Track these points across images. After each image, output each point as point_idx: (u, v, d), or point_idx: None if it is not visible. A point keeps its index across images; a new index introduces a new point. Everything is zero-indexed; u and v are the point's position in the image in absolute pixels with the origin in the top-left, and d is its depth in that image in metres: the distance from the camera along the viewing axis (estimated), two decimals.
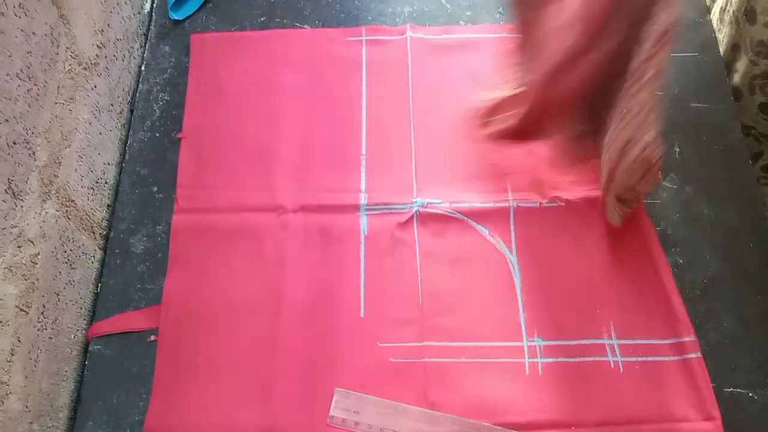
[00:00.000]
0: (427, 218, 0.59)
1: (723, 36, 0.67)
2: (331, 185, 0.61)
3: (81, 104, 0.56)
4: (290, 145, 0.63)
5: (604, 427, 0.50)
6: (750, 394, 0.51)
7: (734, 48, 0.67)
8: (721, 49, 0.66)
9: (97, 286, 0.57)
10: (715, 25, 0.67)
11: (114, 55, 0.62)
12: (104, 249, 0.59)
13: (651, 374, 0.52)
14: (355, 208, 0.60)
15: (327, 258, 0.58)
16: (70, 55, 0.54)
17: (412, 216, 0.59)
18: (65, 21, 0.52)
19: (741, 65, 0.65)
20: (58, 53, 0.52)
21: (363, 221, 0.59)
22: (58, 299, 0.52)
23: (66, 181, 0.53)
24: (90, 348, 0.55)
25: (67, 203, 0.53)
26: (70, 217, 0.54)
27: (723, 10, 0.68)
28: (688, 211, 0.59)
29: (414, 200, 0.60)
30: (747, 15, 0.63)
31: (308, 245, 0.58)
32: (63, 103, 0.52)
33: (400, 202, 0.60)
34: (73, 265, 0.54)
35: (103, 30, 0.59)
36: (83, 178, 0.56)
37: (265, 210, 0.60)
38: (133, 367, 0.54)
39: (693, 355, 0.52)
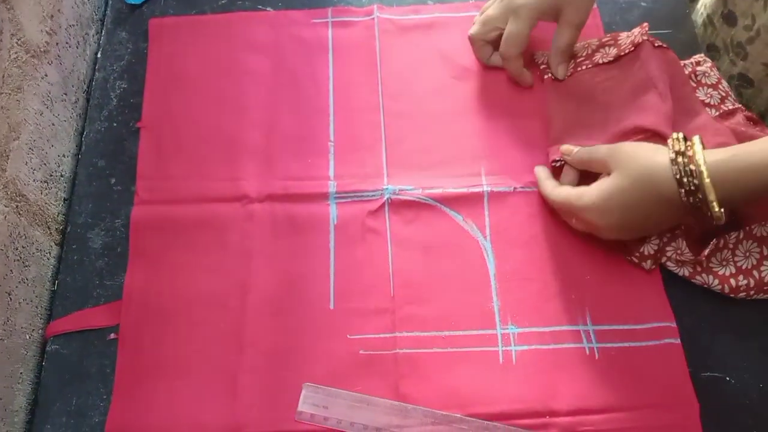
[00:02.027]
0: (398, 205, 0.57)
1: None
2: (298, 173, 0.59)
3: (30, 94, 0.53)
4: (255, 133, 0.60)
5: (578, 416, 0.48)
6: (727, 378, 0.50)
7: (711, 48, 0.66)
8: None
9: (53, 284, 0.55)
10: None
11: (66, 42, 0.59)
12: (61, 245, 0.57)
13: (627, 360, 0.51)
14: (324, 196, 0.58)
15: (295, 249, 0.56)
16: (16, 43, 0.51)
17: (384, 203, 0.57)
18: (9, 6, 0.50)
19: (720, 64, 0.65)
20: (1, 40, 0.49)
21: (332, 210, 0.57)
22: (10, 299, 0.49)
23: (15, 175, 0.51)
24: (47, 348, 0.52)
25: (18, 198, 0.51)
26: (21, 212, 0.51)
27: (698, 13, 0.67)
28: None
29: (385, 187, 0.58)
30: (725, 18, 0.62)
31: (275, 236, 0.56)
32: (9, 93, 0.50)
33: (370, 189, 0.58)
34: (26, 263, 0.52)
35: (53, 15, 0.56)
36: (35, 172, 0.54)
37: (229, 200, 0.57)
38: (92, 366, 0.51)
39: (671, 341, 0.51)
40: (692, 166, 0.44)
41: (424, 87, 0.62)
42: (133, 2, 0.65)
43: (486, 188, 0.58)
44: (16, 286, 0.50)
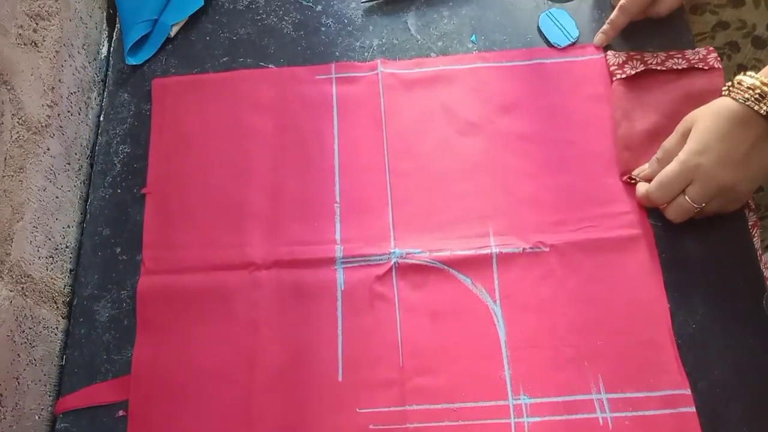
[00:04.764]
0: (406, 270, 0.57)
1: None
2: (304, 237, 0.58)
3: (33, 172, 0.52)
4: (260, 196, 0.60)
5: None
6: None
7: None
8: None
9: (62, 359, 0.55)
10: None
11: (68, 111, 0.59)
12: (68, 317, 0.56)
13: (641, 430, 0.50)
14: (331, 261, 0.57)
15: (302, 317, 0.55)
16: (17, 122, 0.50)
17: (391, 268, 0.57)
18: (9, 87, 0.49)
19: None
20: (2, 122, 0.48)
21: (339, 276, 0.57)
22: (18, 383, 0.49)
23: (20, 257, 0.50)
24: (57, 426, 0.52)
25: (23, 280, 0.50)
26: (26, 293, 0.51)
27: None
28: (674, 250, 0.56)
29: (392, 251, 0.57)
30: None
31: (282, 304, 0.56)
32: (12, 176, 0.49)
33: (377, 253, 0.57)
34: (34, 344, 0.51)
35: (53, 87, 0.56)
36: (40, 249, 0.53)
37: (236, 267, 0.57)
38: None
39: (686, 410, 0.51)
40: (748, 81, 0.50)
41: (429, 144, 0.61)
42: (134, 62, 0.65)
43: (494, 249, 0.57)
44: (24, 369, 0.50)
